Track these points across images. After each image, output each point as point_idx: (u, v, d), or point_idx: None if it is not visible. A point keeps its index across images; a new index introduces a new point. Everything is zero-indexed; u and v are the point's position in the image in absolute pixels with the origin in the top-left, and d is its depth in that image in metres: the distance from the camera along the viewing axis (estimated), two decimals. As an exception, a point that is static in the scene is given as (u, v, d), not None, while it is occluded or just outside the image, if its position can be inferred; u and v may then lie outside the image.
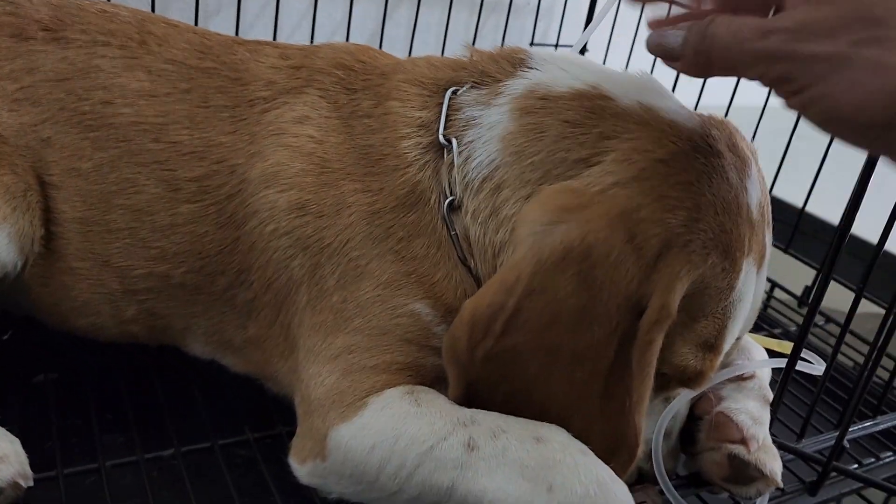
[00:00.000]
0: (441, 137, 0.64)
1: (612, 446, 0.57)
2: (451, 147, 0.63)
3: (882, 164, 0.56)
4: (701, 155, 0.57)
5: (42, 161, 0.67)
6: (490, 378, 0.57)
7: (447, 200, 0.63)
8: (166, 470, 0.69)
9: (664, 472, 0.62)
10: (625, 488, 0.56)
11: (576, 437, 0.57)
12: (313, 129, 0.66)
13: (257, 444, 0.73)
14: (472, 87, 0.66)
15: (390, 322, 0.62)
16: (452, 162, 0.63)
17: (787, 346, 0.68)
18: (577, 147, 0.59)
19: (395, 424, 0.58)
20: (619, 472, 0.57)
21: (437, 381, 0.64)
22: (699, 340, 0.59)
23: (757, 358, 0.73)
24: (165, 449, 0.70)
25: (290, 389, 0.68)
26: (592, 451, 0.56)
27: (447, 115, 0.65)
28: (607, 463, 0.56)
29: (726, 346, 0.61)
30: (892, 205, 0.62)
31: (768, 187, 1.11)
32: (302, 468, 0.62)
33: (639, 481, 0.65)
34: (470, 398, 0.59)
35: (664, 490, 0.61)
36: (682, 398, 0.65)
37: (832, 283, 1.05)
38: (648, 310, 0.54)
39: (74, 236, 0.68)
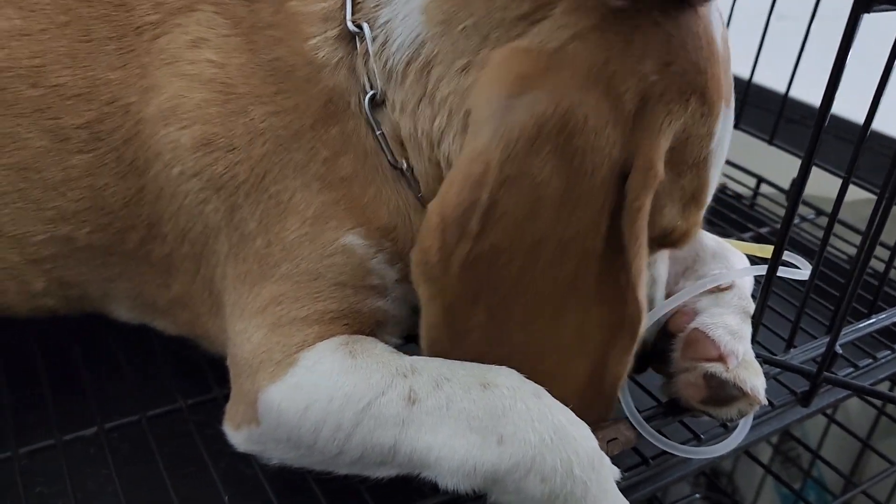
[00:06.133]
0: (350, 25, 0.56)
1: (614, 330, 0.52)
2: (364, 33, 0.55)
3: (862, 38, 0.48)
4: None
5: None
6: (468, 291, 0.50)
7: (367, 96, 0.55)
8: (88, 451, 0.63)
9: (632, 406, 0.56)
10: (586, 430, 0.50)
11: (573, 332, 0.51)
12: (212, 52, 0.57)
13: (191, 411, 0.66)
14: None
15: (321, 264, 0.56)
16: (367, 51, 0.55)
17: (769, 251, 0.60)
18: (515, 2, 0.51)
19: (329, 382, 0.52)
20: (624, 355, 0.52)
21: (377, 327, 0.58)
22: (685, 196, 0.54)
23: (736, 265, 0.66)
24: (87, 427, 0.64)
25: (224, 349, 0.61)
26: (594, 340, 0.51)
27: None
28: (610, 347, 0.52)
29: (708, 199, 0.56)
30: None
31: (748, 73, 1.03)
32: (237, 435, 0.57)
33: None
34: (448, 324, 0.52)
35: (634, 424, 0.55)
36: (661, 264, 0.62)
37: (823, 172, 0.98)
38: (633, 172, 0.48)
39: None
